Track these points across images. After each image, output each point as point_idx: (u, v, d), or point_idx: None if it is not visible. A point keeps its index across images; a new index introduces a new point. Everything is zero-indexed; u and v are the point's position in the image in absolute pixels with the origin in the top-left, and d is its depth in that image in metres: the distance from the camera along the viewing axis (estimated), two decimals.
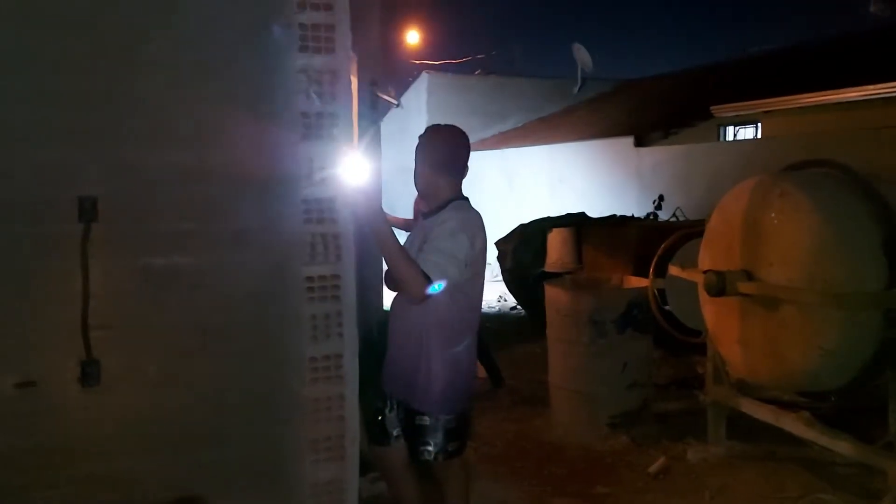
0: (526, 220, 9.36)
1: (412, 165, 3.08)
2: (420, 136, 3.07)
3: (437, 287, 2.75)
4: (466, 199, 3.05)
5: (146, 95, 3.38)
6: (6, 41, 3.18)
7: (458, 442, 2.98)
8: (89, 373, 3.38)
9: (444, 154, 3.02)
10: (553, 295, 5.21)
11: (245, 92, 3.43)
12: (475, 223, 2.94)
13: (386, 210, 3.22)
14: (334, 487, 3.15)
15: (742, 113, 11.74)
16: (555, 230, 8.37)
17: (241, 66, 3.42)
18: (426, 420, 2.90)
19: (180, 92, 3.42)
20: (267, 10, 3.12)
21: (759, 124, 12.33)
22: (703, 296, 4.29)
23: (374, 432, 3.08)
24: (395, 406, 3.03)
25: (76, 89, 3.31)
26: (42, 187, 3.29)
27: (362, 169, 3.00)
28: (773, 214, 3.79)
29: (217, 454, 3.56)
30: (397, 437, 3.03)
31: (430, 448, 2.91)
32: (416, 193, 3.18)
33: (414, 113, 18.10)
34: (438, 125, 3.15)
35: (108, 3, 3.20)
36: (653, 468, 4.36)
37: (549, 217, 9.36)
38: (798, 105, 10.35)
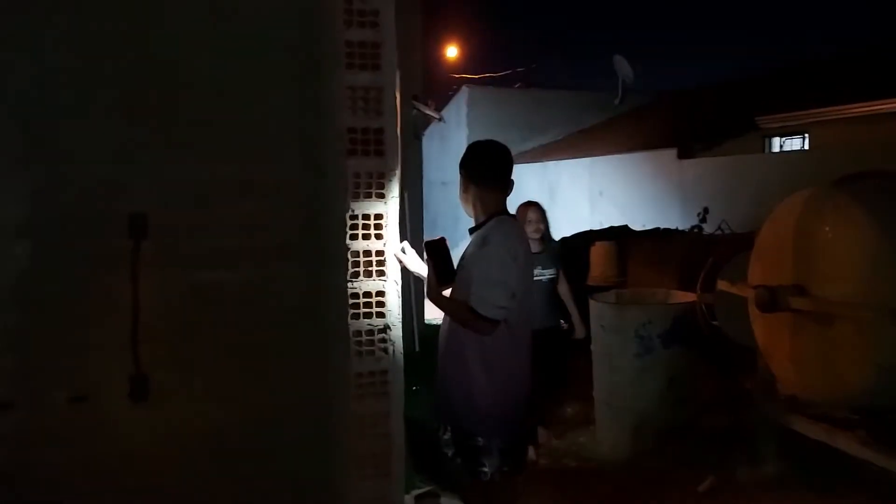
0: (567, 234, 9.30)
1: (452, 179, 3.10)
2: (464, 154, 3.10)
3: (495, 315, 2.81)
4: (509, 213, 3.04)
5: (194, 111, 3.44)
6: (61, 60, 3.27)
7: (513, 462, 2.96)
8: (138, 388, 3.43)
9: (485, 168, 3.02)
10: (597, 309, 5.14)
11: (292, 107, 3.48)
12: (515, 237, 2.95)
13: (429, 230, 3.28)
14: None
15: (788, 123, 11.55)
16: (598, 244, 8.28)
17: (288, 81, 3.46)
18: (479, 441, 2.90)
19: (228, 107, 3.47)
20: (314, 26, 3.16)
21: (807, 135, 12.09)
22: (753, 311, 4.20)
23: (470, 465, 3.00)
24: (447, 429, 3.02)
25: (127, 105, 3.38)
26: (94, 203, 3.36)
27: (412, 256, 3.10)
28: (826, 228, 3.70)
29: (262, 469, 3.58)
30: (452, 457, 3.02)
31: (486, 469, 2.90)
32: (458, 208, 3.21)
33: (454, 126, 18.16)
34: (479, 141, 3.15)
35: (156, 18, 3.27)
36: (702, 487, 4.26)
37: (591, 230, 9.28)
38: (846, 115, 10.14)
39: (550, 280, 4.92)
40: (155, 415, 3.46)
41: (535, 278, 4.46)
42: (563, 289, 5.08)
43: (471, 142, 3.14)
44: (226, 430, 3.54)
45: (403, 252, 3.10)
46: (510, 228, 2.98)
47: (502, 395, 2.92)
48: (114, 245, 3.36)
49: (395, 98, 2.95)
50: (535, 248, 4.58)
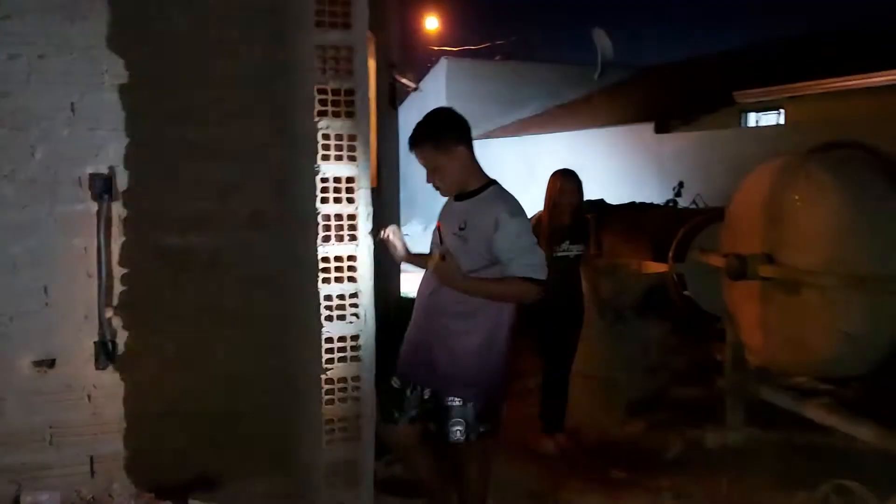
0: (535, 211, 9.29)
1: None
2: (422, 133, 2.85)
3: (544, 276, 2.83)
4: (496, 181, 2.98)
5: (162, 72, 3.38)
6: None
7: (489, 423, 2.97)
8: (108, 352, 3.41)
9: (468, 130, 2.89)
10: None
11: (262, 67, 3.42)
12: (521, 205, 2.93)
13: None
14: (349, 467, 3.15)
15: (765, 99, 11.59)
16: None
17: (257, 41, 3.41)
18: (457, 402, 2.89)
19: (197, 68, 3.42)
20: None
21: (783, 111, 12.15)
22: (723, 280, 4.24)
23: (388, 411, 3.06)
24: (416, 388, 3.00)
25: (95, 69, 3.32)
26: (60, 166, 3.31)
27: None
28: (796, 196, 3.73)
29: (233, 434, 3.58)
30: (413, 418, 3.02)
31: (461, 429, 2.89)
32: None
33: (433, 100, 18.01)
34: (442, 107, 2.98)
35: None
36: (670, 453, 4.32)
37: None
38: (822, 90, 10.20)
39: (577, 257, 4.50)
40: (123, 379, 3.45)
41: (562, 254, 4.37)
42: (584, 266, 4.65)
43: (458, 115, 2.93)
44: (194, 395, 3.53)
45: (388, 237, 3.08)
46: (513, 197, 2.93)
47: (496, 361, 2.95)
48: (80, 208, 3.33)
49: (367, 59, 2.91)
50: (566, 220, 4.42)
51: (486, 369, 2.92)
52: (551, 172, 4.56)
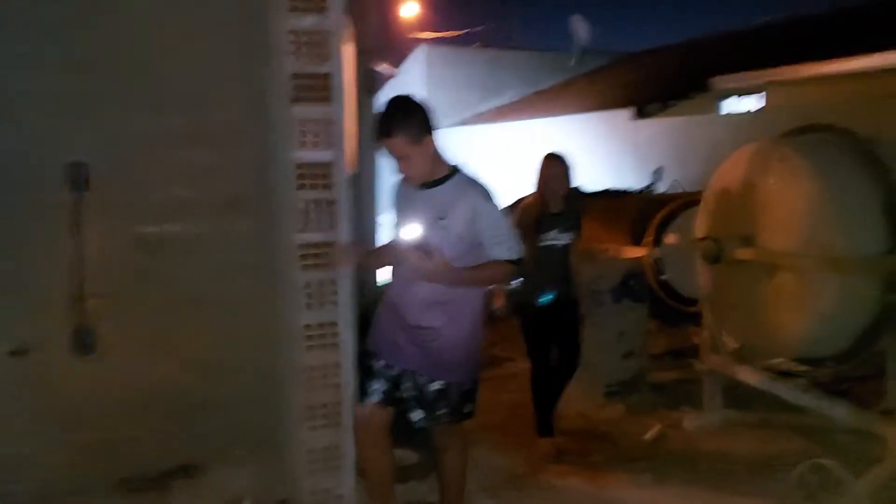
0: (525, 195, 9.31)
1: None
2: (394, 124, 2.76)
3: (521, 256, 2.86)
4: (458, 166, 2.94)
5: (136, 58, 3.34)
6: None
7: (472, 404, 3.01)
8: (83, 341, 3.38)
9: (426, 117, 2.81)
10: None
11: (237, 53, 3.38)
12: (488, 187, 2.91)
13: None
14: (331, 454, 3.16)
15: (741, 84, 11.66)
16: None
17: (232, 26, 3.37)
18: (441, 385, 2.90)
19: (171, 54, 3.38)
20: None
21: (759, 96, 12.24)
22: (699, 263, 4.27)
23: (366, 387, 3.00)
24: (389, 366, 2.97)
25: (65, 54, 3.27)
26: (33, 154, 3.26)
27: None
28: (771, 180, 3.76)
29: (213, 422, 3.56)
30: (383, 395, 2.95)
31: (445, 411, 2.92)
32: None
33: (412, 87, 17.97)
34: (403, 94, 2.89)
35: None
36: (648, 435, 4.36)
37: None
38: (798, 76, 10.28)
39: (566, 246, 4.22)
40: (101, 368, 3.42)
41: (550, 242, 4.15)
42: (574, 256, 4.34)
43: (424, 102, 2.85)
44: (173, 383, 3.51)
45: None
46: (482, 183, 2.91)
47: (476, 344, 2.99)
48: (54, 196, 3.29)
49: (342, 44, 2.89)
50: (556, 207, 4.18)
51: (469, 352, 2.95)
52: (542, 156, 4.30)
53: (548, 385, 4.24)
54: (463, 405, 2.97)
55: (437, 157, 2.87)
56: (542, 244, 4.13)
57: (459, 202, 2.80)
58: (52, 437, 3.38)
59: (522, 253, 2.88)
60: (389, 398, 2.95)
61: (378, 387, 2.95)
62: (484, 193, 2.84)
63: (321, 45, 2.86)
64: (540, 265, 4.04)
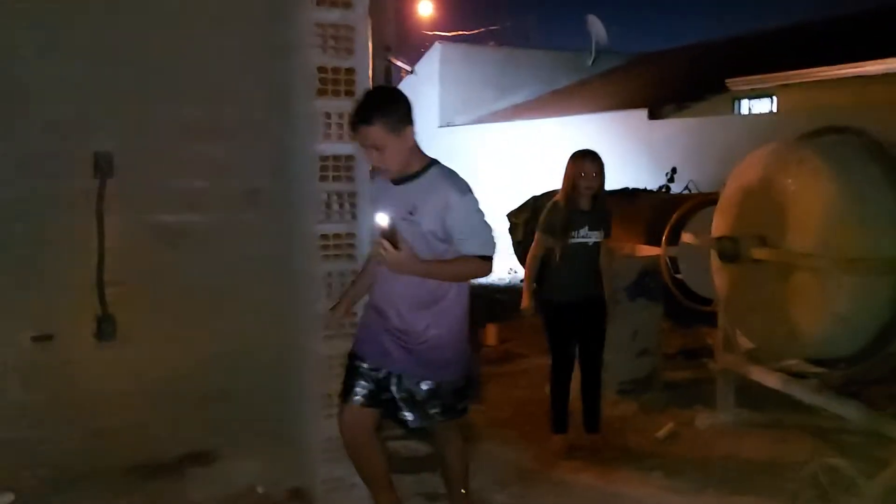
0: (538, 193, 9.32)
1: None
2: (374, 111, 2.70)
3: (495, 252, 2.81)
4: (436, 160, 2.88)
5: (161, 51, 3.38)
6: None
7: (466, 400, 2.99)
8: (105, 328, 3.43)
9: (407, 109, 2.74)
10: None
11: (261, 46, 3.42)
12: (467, 182, 2.84)
13: None
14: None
15: (757, 86, 11.63)
16: None
17: (256, 19, 3.41)
18: (431, 385, 2.86)
19: (195, 47, 3.42)
20: None
21: (775, 98, 12.21)
22: (715, 263, 4.28)
23: (349, 386, 2.93)
24: (375, 369, 2.90)
25: (92, 44, 3.32)
26: (57, 143, 3.31)
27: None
28: (789, 181, 3.76)
29: (227, 411, 3.61)
30: (366, 396, 2.89)
31: (439, 410, 2.88)
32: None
33: (426, 84, 17.99)
34: (378, 88, 2.84)
35: None
36: (661, 433, 4.37)
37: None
38: (814, 79, 10.25)
39: (596, 244, 4.16)
40: (121, 355, 3.47)
41: (580, 240, 4.09)
42: (604, 255, 4.28)
43: (405, 94, 2.80)
44: (190, 371, 3.56)
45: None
46: (459, 175, 2.84)
47: (462, 339, 2.94)
48: (78, 185, 3.34)
49: (368, 38, 2.92)
50: (585, 205, 4.10)
51: (456, 351, 2.91)
52: (570, 153, 4.19)
53: (567, 382, 4.23)
54: (457, 402, 2.93)
55: (414, 151, 2.80)
56: (573, 242, 4.08)
57: (431, 195, 2.74)
58: (69, 422, 3.44)
59: (495, 249, 2.81)
60: (374, 399, 2.88)
61: (361, 389, 2.88)
62: (459, 187, 2.76)
63: (347, 40, 2.90)
64: (569, 263, 4.06)
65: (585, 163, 4.10)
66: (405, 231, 2.69)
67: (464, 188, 2.77)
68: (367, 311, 2.98)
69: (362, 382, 2.88)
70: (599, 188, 4.13)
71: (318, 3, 2.82)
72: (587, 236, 4.11)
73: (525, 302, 4.22)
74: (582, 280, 4.15)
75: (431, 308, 2.82)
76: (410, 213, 2.74)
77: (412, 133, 2.75)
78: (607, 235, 4.26)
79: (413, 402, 2.87)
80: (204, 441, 3.60)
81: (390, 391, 2.86)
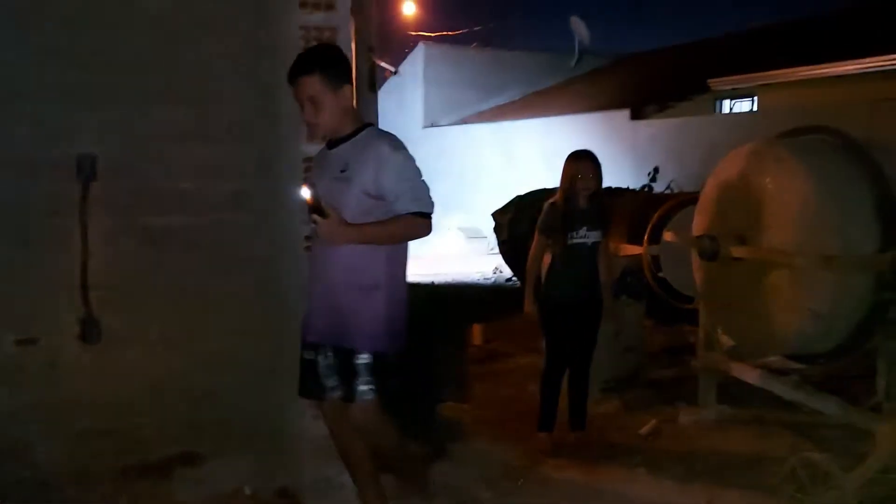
0: (522, 193, 9.38)
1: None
2: (312, 62, 2.70)
3: (433, 209, 2.73)
4: (371, 123, 2.88)
5: (145, 53, 3.39)
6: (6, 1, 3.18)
7: (396, 378, 2.88)
8: (90, 331, 3.43)
9: (346, 67, 2.71)
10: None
11: (245, 48, 3.44)
12: (401, 141, 2.80)
13: None
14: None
15: (738, 86, 11.74)
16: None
17: (241, 22, 3.42)
18: (366, 359, 2.77)
19: (180, 50, 3.43)
20: None
21: (756, 98, 12.33)
22: (696, 261, 4.34)
23: (308, 385, 2.95)
24: (328, 355, 2.87)
25: (76, 45, 3.32)
26: (42, 145, 3.31)
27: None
28: (767, 179, 3.82)
29: (215, 411, 3.62)
30: (332, 388, 2.89)
31: (371, 387, 2.78)
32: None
33: (410, 85, 18.03)
34: (319, 45, 2.81)
35: None
36: (644, 430, 4.42)
37: (545, 189, 9.36)
38: (794, 78, 10.37)
39: (595, 244, 4.15)
40: (107, 358, 3.47)
41: (579, 240, 4.08)
42: (603, 255, 4.27)
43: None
44: (177, 373, 3.56)
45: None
46: (393, 135, 2.81)
47: (400, 309, 2.87)
48: (63, 187, 3.34)
49: (350, 40, 2.95)
50: (583, 204, 4.10)
51: (392, 318, 2.83)
52: (567, 154, 4.22)
53: (559, 382, 4.25)
54: (388, 379, 2.82)
55: (349, 113, 2.78)
56: (571, 242, 4.08)
57: (364, 152, 2.71)
58: (57, 424, 3.43)
59: (432, 207, 2.73)
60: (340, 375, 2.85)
61: (323, 378, 2.87)
62: (392, 143, 2.72)
63: (330, 42, 2.92)
64: (567, 263, 4.08)
65: (582, 163, 4.11)
66: (336, 192, 2.68)
67: (397, 144, 2.74)
68: (309, 292, 2.93)
69: (316, 370, 2.86)
70: (597, 188, 4.13)
71: (301, 6, 2.85)
72: (586, 236, 4.11)
73: (528, 306, 4.20)
74: (581, 280, 4.16)
75: (362, 272, 2.75)
76: (342, 171, 2.71)
77: (350, 93, 2.72)
78: (606, 235, 4.27)
79: (348, 377, 2.80)
80: (191, 442, 3.60)
81: (323, 359, 2.84)
